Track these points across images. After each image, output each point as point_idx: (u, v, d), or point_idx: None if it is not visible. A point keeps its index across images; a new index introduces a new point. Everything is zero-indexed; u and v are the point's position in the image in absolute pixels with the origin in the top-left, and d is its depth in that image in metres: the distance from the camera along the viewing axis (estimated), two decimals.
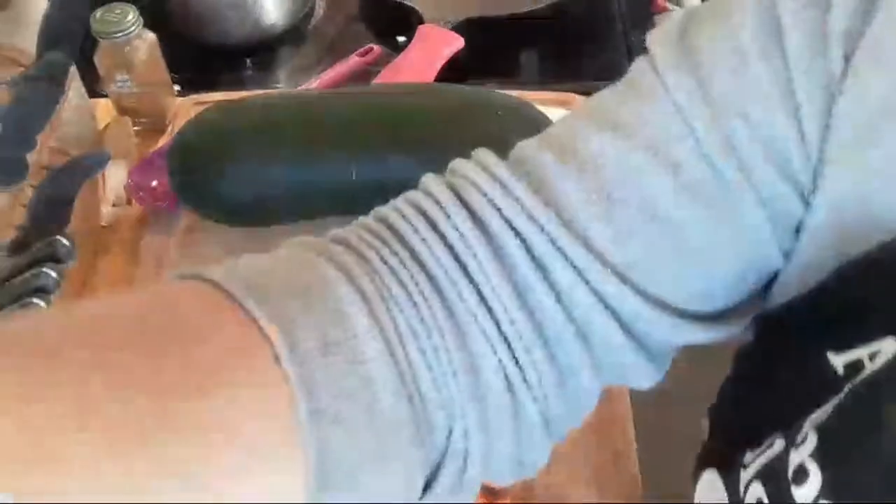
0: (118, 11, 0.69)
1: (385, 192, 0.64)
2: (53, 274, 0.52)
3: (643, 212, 0.34)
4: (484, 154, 0.37)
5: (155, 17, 0.79)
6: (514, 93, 0.75)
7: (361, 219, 0.38)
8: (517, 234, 0.34)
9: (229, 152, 0.62)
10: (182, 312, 0.32)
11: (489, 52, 0.85)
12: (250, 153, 0.62)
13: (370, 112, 0.64)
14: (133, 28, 0.69)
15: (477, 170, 0.36)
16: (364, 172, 0.62)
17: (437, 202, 0.35)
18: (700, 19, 0.35)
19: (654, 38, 0.36)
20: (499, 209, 0.35)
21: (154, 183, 0.65)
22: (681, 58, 0.34)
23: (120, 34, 0.69)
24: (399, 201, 0.37)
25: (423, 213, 0.35)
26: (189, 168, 0.63)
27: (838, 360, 0.33)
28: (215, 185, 0.62)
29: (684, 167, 0.33)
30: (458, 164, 0.37)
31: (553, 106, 0.75)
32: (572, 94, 0.79)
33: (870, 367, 0.31)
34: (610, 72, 0.86)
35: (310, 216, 0.65)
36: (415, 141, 0.63)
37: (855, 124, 0.31)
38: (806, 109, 0.32)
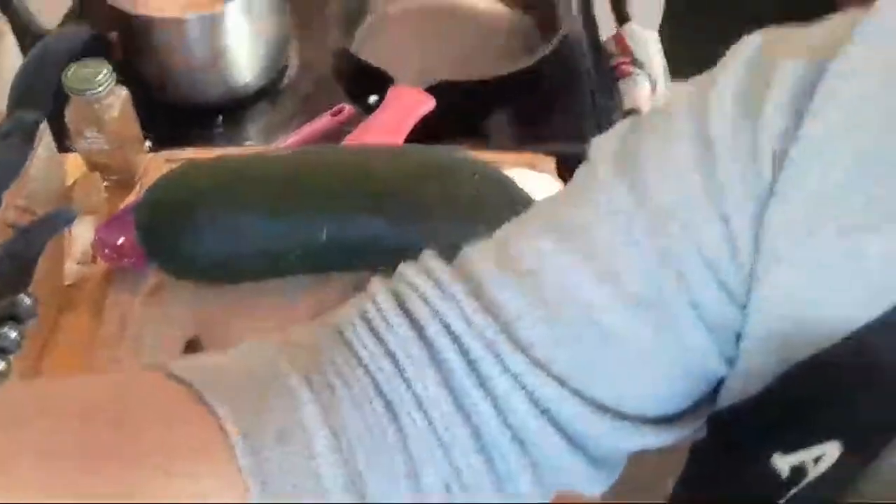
0: (91, 68, 0.70)
1: (354, 251, 0.65)
2: (14, 334, 0.51)
3: (582, 318, 0.35)
4: (429, 258, 0.39)
5: (128, 73, 0.80)
6: (485, 154, 0.77)
7: (319, 320, 0.40)
8: (455, 339, 0.36)
9: (198, 210, 0.62)
10: (148, 400, 0.34)
11: (460, 113, 0.87)
12: (219, 211, 0.62)
13: (341, 172, 0.64)
14: (106, 85, 0.69)
15: (421, 276, 0.38)
16: (334, 232, 0.62)
17: (381, 311, 0.37)
18: (641, 128, 0.37)
19: (597, 146, 0.38)
20: (438, 315, 0.36)
21: (121, 240, 0.65)
22: (622, 166, 0.36)
23: (92, 91, 0.69)
24: (348, 306, 0.40)
25: (368, 321, 0.38)
26: (157, 225, 0.63)
27: (784, 463, 0.34)
28: (183, 242, 0.62)
29: (623, 275, 0.35)
30: (403, 268, 0.39)
31: (523, 167, 0.77)
32: (541, 156, 0.80)
33: (813, 472, 0.32)
34: (578, 134, 0.88)
35: (278, 274, 0.65)
36: (385, 201, 0.64)
37: (786, 231, 0.32)
38: (737, 219, 0.33)
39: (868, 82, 0.31)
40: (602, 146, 0.38)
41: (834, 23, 0.35)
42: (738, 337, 0.35)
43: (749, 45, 0.35)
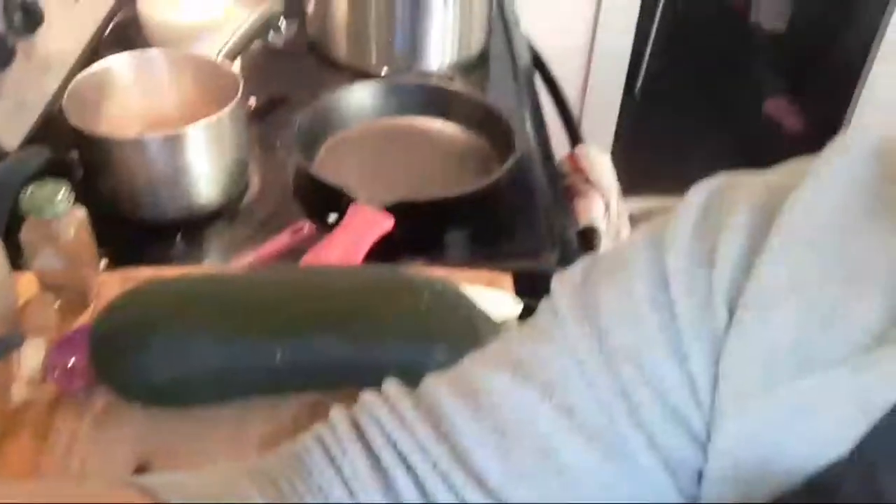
0: (49, 188, 0.70)
1: (309, 372, 0.65)
2: None
3: (537, 451, 0.36)
4: (390, 385, 0.40)
5: (88, 190, 0.80)
6: (443, 272, 0.78)
7: (282, 447, 0.42)
8: (409, 468, 0.37)
9: (152, 331, 0.61)
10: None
11: (418, 232, 0.88)
12: (173, 334, 0.61)
13: (296, 293, 0.64)
14: (63, 206, 0.69)
15: (380, 403, 0.39)
16: (289, 354, 0.62)
17: (338, 438, 0.39)
18: (601, 268, 0.38)
19: (558, 282, 0.40)
20: (394, 444, 0.38)
21: (72, 361, 0.64)
22: (581, 304, 0.37)
23: (49, 212, 0.69)
24: (309, 433, 0.41)
25: (326, 449, 0.39)
26: (110, 346, 0.62)
27: None
28: (135, 364, 0.61)
29: (578, 411, 0.35)
30: (364, 395, 0.41)
31: (480, 285, 0.77)
32: (498, 274, 0.81)
33: None
34: (534, 252, 0.90)
35: (232, 397, 0.64)
36: (340, 322, 0.64)
37: (742, 376, 0.33)
38: (695, 360, 0.34)
39: (815, 233, 0.33)
40: (563, 283, 0.39)
41: (787, 170, 0.37)
42: (699, 475, 0.35)
43: (705, 191, 0.37)
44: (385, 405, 0.39)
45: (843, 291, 0.32)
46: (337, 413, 0.41)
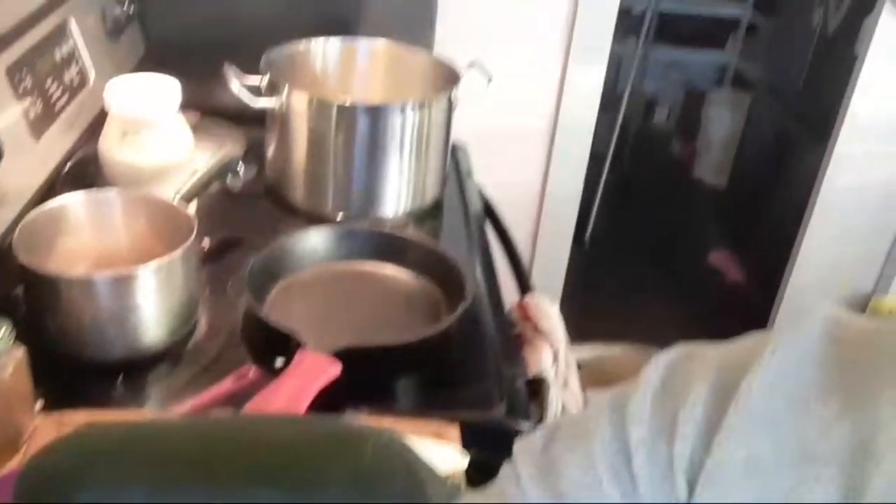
0: None
1: None
2: None
3: None
4: None
5: (29, 326, 0.78)
6: (389, 422, 0.77)
7: None
8: None
9: (84, 480, 0.59)
10: None
11: (366, 379, 0.87)
12: (106, 483, 0.59)
13: (236, 444, 0.63)
14: (2, 345, 0.68)
15: None
16: None
17: None
18: (562, 434, 0.39)
19: (519, 448, 0.40)
20: None
21: None
22: (542, 471, 0.38)
23: None
24: None
25: None
26: (38, 495, 0.59)
27: None
28: None
29: None
30: None
31: (427, 436, 0.77)
32: (446, 424, 0.80)
33: None
34: (483, 402, 0.89)
35: None
36: (281, 475, 0.62)
37: None
38: None
39: (772, 413, 0.34)
40: (525, 449, 0.40)
41: (742, 346, 0.39)
42: None
43: (665, 363, 0.39)
44: None
45: (800, 472, 0.33)
46: None
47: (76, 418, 0.73)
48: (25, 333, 0.74)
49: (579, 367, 1.26)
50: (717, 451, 0.34)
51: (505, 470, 0.40)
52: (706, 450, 0.34)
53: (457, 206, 1.34)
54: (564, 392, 1.13)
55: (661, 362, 0.39)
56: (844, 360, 0.35)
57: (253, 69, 1.20)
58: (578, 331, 1.37)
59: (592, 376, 2.04)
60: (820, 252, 2.25)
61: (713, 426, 0.35)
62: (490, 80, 1.28)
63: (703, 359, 0.38)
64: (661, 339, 0.42)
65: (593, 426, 0.38)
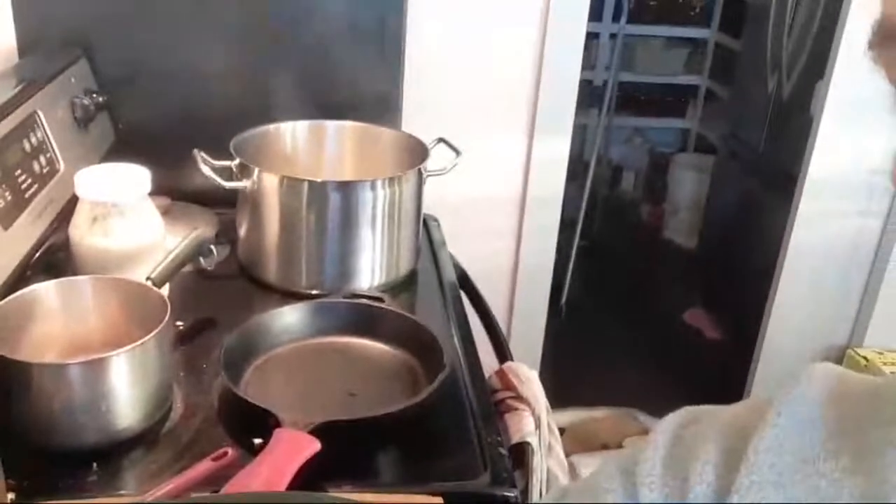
0: None
1: None
2: None
3: None
4: None
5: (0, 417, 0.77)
6: (371, 497, 0.75)
7: None
8: None
9: None
10: None
11: (347, 454, 0.86)
12: None
13: None
14: None
15: None
16: None
17: None
18: (572, 498, 0.39)
19: None
20: None
21: None
22: None
23: None
24: None
25: None
26: None
27: None
28: None
29: None
30: None
31: None
32: (429, 498, 0.79)
33: None
34: (466, 473, 0.88)
35: None
36: None
37: None
38: None
39: (782, 474, 0.35)
40: None
41: (747, 408, 0.39)
42: None
43: (673, 425, 0.39)
44: None
45: None
46: None
47: None
48: None
49: (562, 432, 1.26)
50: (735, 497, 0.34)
51: None
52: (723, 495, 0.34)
53: (431, 277, 1.35)
54: (549, 457, 1.12)
55: (668, 425, 0.39)
56: (849, 417, 0.35)
57: (222, 154, 1.21)
58: (559, 396, 1.36)
59: (576, 441, 2.02)
60: (793, 307, 2.27)
61: (725, 487, 0.35)
62: (458, 155, 1.31)
63: (709, 421, 0.39)
64: (642, 400, 0.42)
65: (603, 491, 0.38)
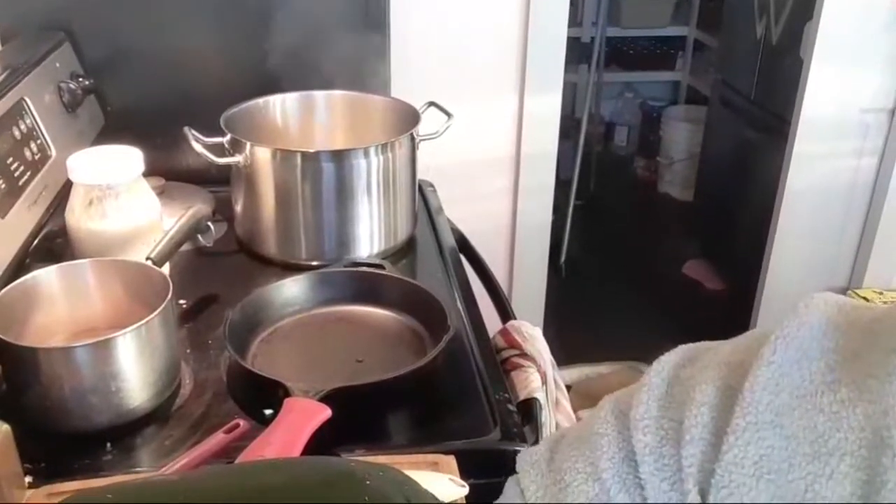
0: None
1: None
2: None
3: None
4: None
5: (11, 401, 0.77)
6: (385, 458, 0.76)
7: None
8: None
9: None
10: None
11: (358, 419, 0.87)
12: None
13: (232, 494, 0.62)
14: None
15: None
16: None
17: None
18: (566, 445, 0.38)
19: (524, 462, 0.39)
20: None
21: None
22: (548, 485, 0.37)
23: None
24: None
25: None
26: None
27: None
28: None
29: None
30: None
31: (425, 468, 0.76)
32: (442, 456, 0.80)
33: None
34: (476, 430, 0.89)
35: None
36: None
37: None
38: None
39: (779, 411, 0.34)
40: (529, 461, 0.39)
41: (743, 344, 0.38)
42: None
43: (667, 365, 0.38)
44: None
45: (812, 469, 0.32)
46: None
47: (67, 488, 0.72)
48: (8, 410, 0.73)
49: (568, 389, 1.26)
50: (727, 454, 0.33)
51: (509, 485, 0.40)
52: (716, 453, 0.34)
53: (430, 242, 1.35)
54: (557, 412, 1.13)
55: (663, 366, 0.38)
56: (849, 349, 0.34)
57: (213, 131, 1.21)
58: (563, 354, 1.37)
59: (582, 397, 2.03)
60: (792, 252, 2.28)
61: (721, 429, 0.34)
62: (450, 118, 1.30)
63: (704, 361, 0.37)
64: (645, 353, 0.42)
65: (598, 434, 0.37)
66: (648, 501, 0.34)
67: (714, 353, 0.38)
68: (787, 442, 0.33)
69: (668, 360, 0.39)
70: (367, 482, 0.66)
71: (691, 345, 0.40)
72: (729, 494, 0.32)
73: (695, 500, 0.33)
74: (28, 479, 0.74)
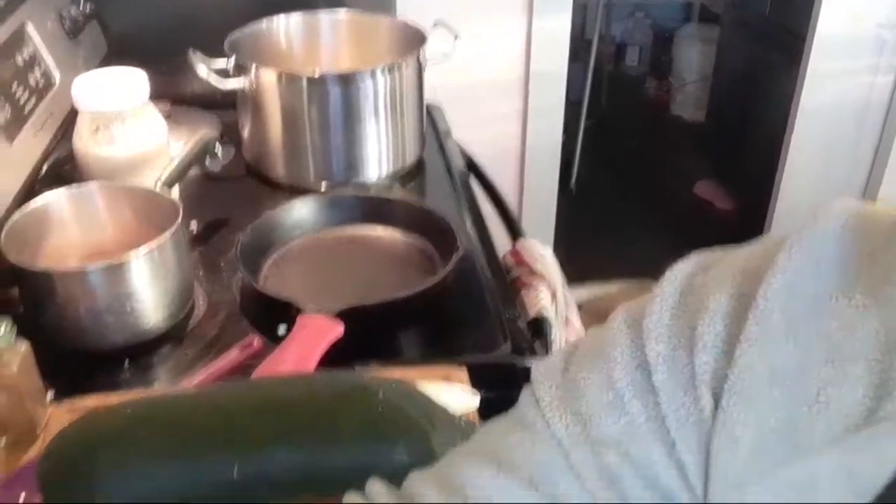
0: None
1: (267, 484, 0.63)
2: None
3: None
4: (375, 487, 0.39)
5: (30, 323, 0.79)
6: (397, 372, 0.77)
7: None
8: None
9: (102, 459, 0.60)
10: None
11: (370, 336, 0.88)
12: (124, 459, 0.59)
13: (249, 406, 0.63)
14: (5, 341, 0.68)
15: None
16: (245, 468, 0.61)
17: None
18: (581, 354, 0.38)
19: (538, 372, 0.39)
20: None
21: (22, 497, 0.61)
22: (563, 394, 0.37)
23: None
24: None
25: None
26: (60, 478, 0.60)
27: None
28: (89, 494, 0.59)
29: (566, 501, 0.35)
30: (350, 499, 0.41)
31: (436, 380, 0.77)
32: (454, 368, 0.81)
33: None
34: (487, 345, 0.90)
35: None
36: (296, 431, 0.63)
37: (732, 463, 0.33)
38: (681, 446, 0.34)
39: (793, 318, 0.33)
40: (543, 372, 0.39)
41: (759, 250, 0.37)
42: None
43: (681, 273, 0.38)
44: None
45: (826, 373, 0.32)
46: None
47: (88, 403, 0.73)
48: (26, 331, 0.74)
49: (579, 308, 1.27)
50: (739, 361, 0.33)
51: (524, 395, 0.40)
52: (729, 360, 0.33)
53: (439, 165, 1.34)
54: (567, 330, 1.14)
55: (675, 274, 0.38)
56: (866, 254, 0.34)
57: (218, 53, 1.19)
58: (573, 273, 1.37)
59: (592, 315, 2.05)
60: (804, 171, 2.26)
61: (734, 336, 0.34)
62: (457, 38, 1.28)
63: (718, 268, 0.37)
64: (655, 272, 0.41)
65: (611, 344, 0.37)
66: (662, 407, 0.34)
67: (728, 261, 0.38)
68: (801, 348, 0.33)
69: (681, 269, 0.38)
70: (381, 394, 0.68)
71: (705, 253, 0.40)
72: (741, 401, 0.33)
73: (708, 404, 0.33)
74: (50, 394, 0.76)
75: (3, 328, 0.69)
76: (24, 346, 0.71)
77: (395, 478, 0.63)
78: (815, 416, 0.32)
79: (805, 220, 0.37)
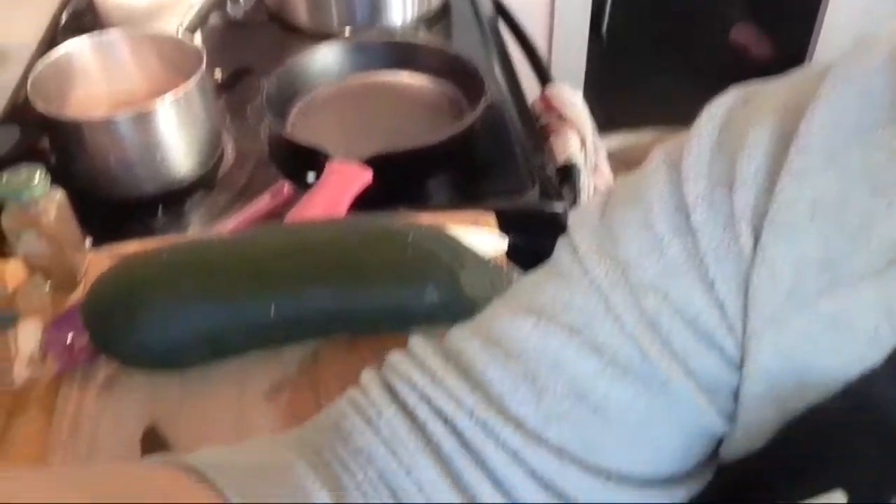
0: (25, 174, 0.69)
1: (303, 323, 0.65)
2: None
3: (570, 393, 0.36)
4: (416, 342, 0.41)
5: (63, 173, 0.80)
6: (426, 217, 0.78)
7: (318, 416, 0.42)
8: (446, 421, 0.37)
9: (143, 299, 0.61)
10: (163, 488, 0.34)
11: (398, 182, 0.88)
12: (164, 299, 0.61)
13: (283, 248, 0.64)
14: (40, 189, 0.69)
15: (408, 363, 0.40)
16: (282, 308, 0.62)
17: (372, 401, 0.39)
18: (617, 199, 0.38)
19: (575, 220, 0.39)
20: (428, 400, 0.38)
21: (70, 337, 0.64)
22: (600, 240, 0.36)
23: (27, 196, 0.68)
24: (345, 399, 0.41)
25: (362, 412, 0.39)
26: (104, 316, 0.62)
27: None
28: (131, 333, 0.61)
29: (607, 348, 0.35)
30: (393, 357, 0.41)
31: (466, 224, 0.78)
32: (482, 213, 0.81)
33: None
34: (515, 191, 0.90)
35: (229, 355, 0.65)
36: (330, 273, 0.64)
37: (773, 295, 0.33)
38: (721, 285, 0.34)
39: (835, 150, 0.32)
40: (580, 219, 0.38)
41: (801, 82, 0.36)
42: (736, 394, 0.35)
43: (720, 109, 0.36)
44: (413, 363, 0.39)
45: (869, 204, 0.31)
46: (367, 376, 0.41)
47: (127, 248, 0.75)
48: (60, 180, 0.75)
49: (608, 155, 1.26)
50: (780, 195, 0.32)
51: (560, 244, 0.40)
52: (769, 195, 0.33)
53: (466, 8, 1.30)
54: (595, 176, 1.13)
55: (714, 111, 0.36)
56: None
57: None
58: (604, 121, 1.35)
59: (622, 163, 2.04)
60: (847, 14, 2.16)
61: (775, 171, 0.33)
62: None
63: (758, 102, 0.36)
64: (688, 120, 0.39)
65: (649, 186, 0.36)
66: (701, 246, 0.34)
67: (768, 94, 0.36)
68: (844, 179, 0.32)
69: (721, 104, 0.37)
70: (410, 237, 0.68)
71: (745, 86, 0.38)
72: (782, 235, 0.32)
73: (748, 241, 0.33)
74: (88, 241, 0.78)
75: (37, 177, 0.69)
76: (59, 194, 0.72)
77: (428, 317, 0.65)
78: (856, 248, 0.31)
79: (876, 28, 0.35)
